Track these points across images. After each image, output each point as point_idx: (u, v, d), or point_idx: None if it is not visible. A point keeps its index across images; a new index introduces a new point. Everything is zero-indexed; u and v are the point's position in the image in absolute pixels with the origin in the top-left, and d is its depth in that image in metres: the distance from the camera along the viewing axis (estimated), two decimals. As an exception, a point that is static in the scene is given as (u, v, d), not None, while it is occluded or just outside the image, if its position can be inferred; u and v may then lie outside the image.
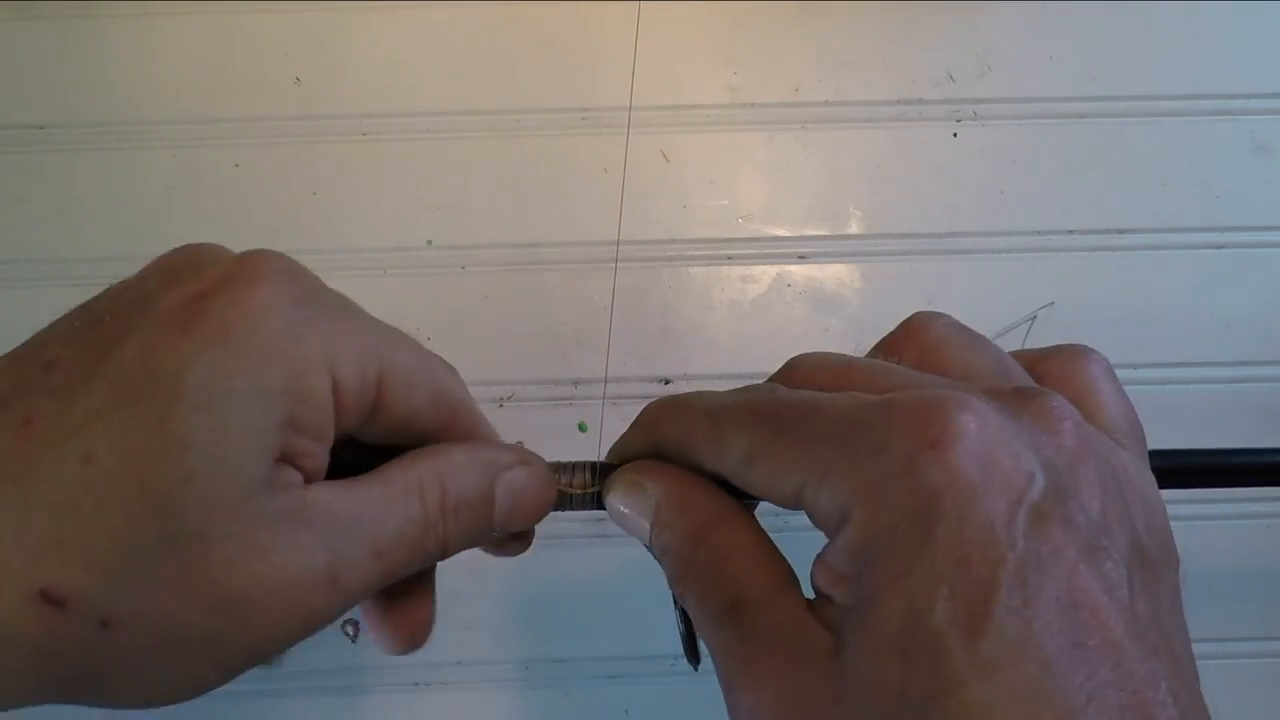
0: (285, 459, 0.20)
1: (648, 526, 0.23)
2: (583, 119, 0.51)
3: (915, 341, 0.23)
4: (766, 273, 0.49)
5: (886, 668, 0.17)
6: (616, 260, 0.48)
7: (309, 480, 0.21)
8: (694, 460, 0.23)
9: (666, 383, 0.47)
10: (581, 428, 0.46)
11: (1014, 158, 0.51)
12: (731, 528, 0.22)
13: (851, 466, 0.19)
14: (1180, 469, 0.27)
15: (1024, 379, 0.22)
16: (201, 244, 0.22)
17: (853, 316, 0.48)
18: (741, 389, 0.23)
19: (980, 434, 0.18)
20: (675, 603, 0.25)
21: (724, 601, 0.21)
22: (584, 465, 0.26)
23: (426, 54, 0.52)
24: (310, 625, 0.20)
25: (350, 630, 0.44)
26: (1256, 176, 0.50)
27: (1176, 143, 0.51)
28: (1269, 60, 0.52)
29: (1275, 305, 0.49)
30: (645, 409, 0.25)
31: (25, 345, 0.22)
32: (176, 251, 0.22)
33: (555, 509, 0.26)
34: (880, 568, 0.18)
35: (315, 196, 0.50)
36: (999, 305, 0.48)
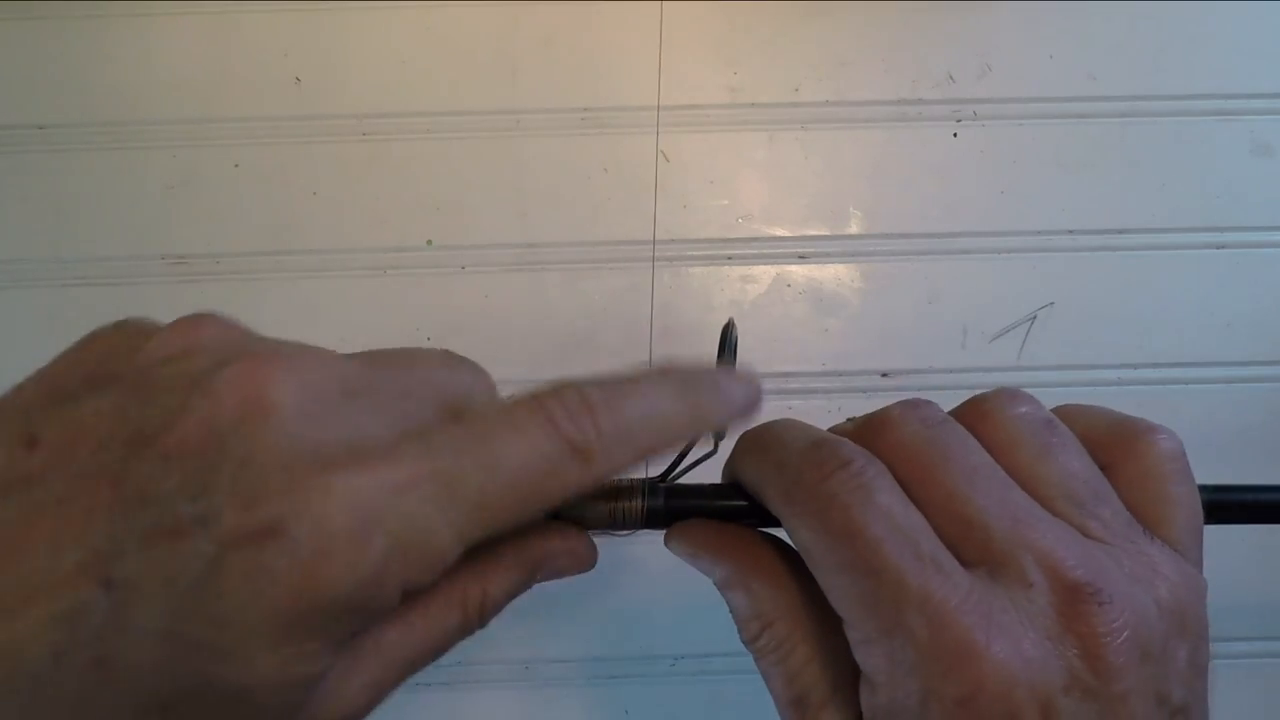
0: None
1: (717, 581, 0.24)
2: (583, 119, 0.51)
3: (989, 431, 0.23)
4: (766, 273, 0.49)
5: None
6: (653, 259, 0.49)
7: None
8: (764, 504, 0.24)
9: (666, 383, 0.47)
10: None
11: (1014, 158, 0.51)
12: (794, 621, 0.23)
13: (887, 655, 0.20)
14: (1226, 505, 0.27)
15: (1093, 499, 0.22)
16: (206, 322, 0.21)
17: (853, 316, 0.48)
18: (823, 449, 0.22)
19: (1009, 687, 0.19)
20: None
21: (789, 696, 0.23)
22: (637, 488, 0.25)
23: (426, 54, 0.52)
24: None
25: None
26: (1256, 176, 0.50)
27: (1176, 143, 0.51)
28: (1269, 60, 0.52)
29: (1275, 305, 0.49)
30: (742, 437, 0.25)
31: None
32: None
33: (604, 531, 0.26)
34: None
35: (315, 196, 0.50)
36: (999, 305, 0.48)
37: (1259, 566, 0.46)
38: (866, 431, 0.23)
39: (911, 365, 0.47)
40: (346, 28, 0.52)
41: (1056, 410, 0.24)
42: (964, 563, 0.20)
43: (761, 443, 0.23)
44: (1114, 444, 0.23)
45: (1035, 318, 0.48)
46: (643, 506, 0.25)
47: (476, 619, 0.22)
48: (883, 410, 0.23)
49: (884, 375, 0.47)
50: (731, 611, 0.24)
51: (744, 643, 0.24)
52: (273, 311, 0.47)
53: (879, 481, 0.21)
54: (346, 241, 0.49)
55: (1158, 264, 0.49)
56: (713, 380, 0.23)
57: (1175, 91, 0.52)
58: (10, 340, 0.48)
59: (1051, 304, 0.48)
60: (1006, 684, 0.19)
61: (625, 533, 0.26)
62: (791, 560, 0.24)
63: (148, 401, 0.18)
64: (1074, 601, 0.19)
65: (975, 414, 0.23)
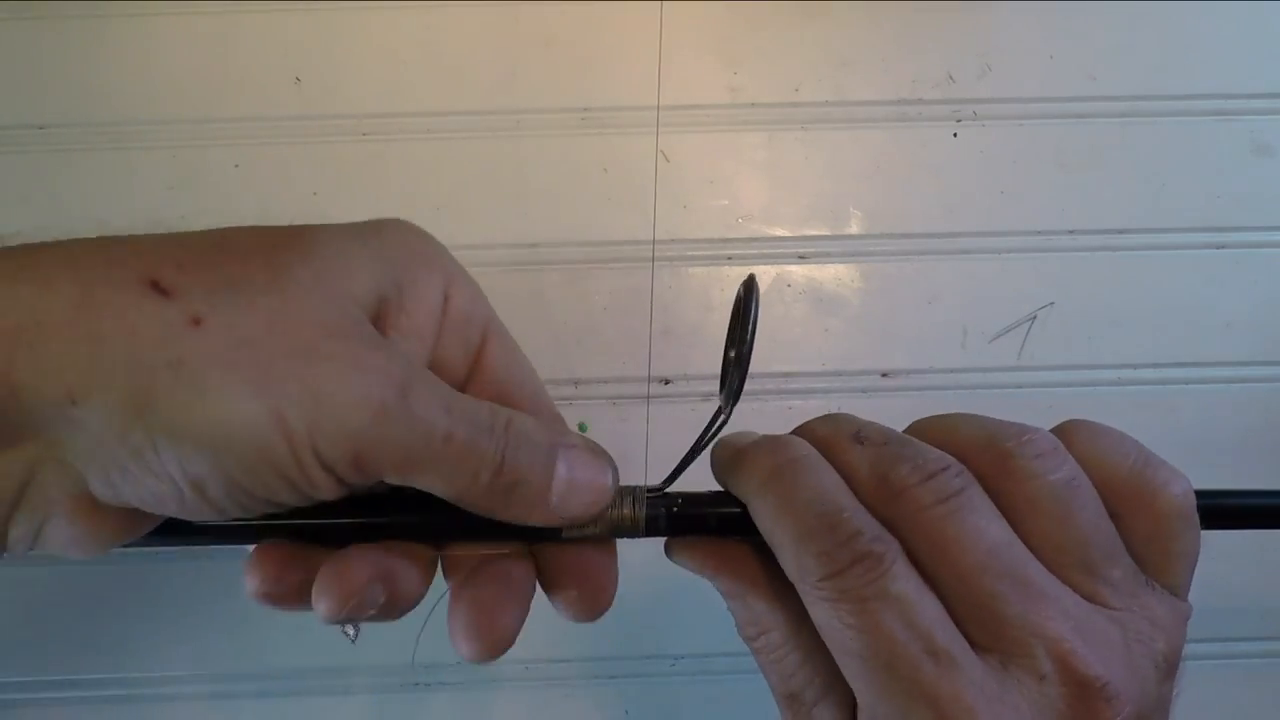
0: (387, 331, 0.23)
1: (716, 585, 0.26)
2: (583, 119, 0.51)
3: (1010, 489, 0.23)
4: (766, 273, 0.49)
5: None
6: (653, 259, 0.49)
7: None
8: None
9: (666, 382, 0.47)
10: (582, 428, 0.46)
11: (1014, 158, 0.51)
12: (789, 632, 0.24)
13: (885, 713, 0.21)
14: (1221, 511, 0.27)
15: (1105, 561, 0.22)
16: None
17: (853, 316, 0.48)
18: (840, 531, 0.22)
19: None
20: (732, 333, 0.27)
21: (784, 691, 0.24)
22: (640, 498, 0.25)
23: (426, 54, 0.52)
24: (376, 421, 0.21)
25: (351, 631, 0.43)
26: (1256, 176, 0.50)
27: (1176, 143, 0.51)
28: (1269, 60, 0.52)
29: (1275, 305, 0.49)
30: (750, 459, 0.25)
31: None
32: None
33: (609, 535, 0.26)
34: None
35: (315, 196, 0.50)
36: (999, 305, 0.48)
37: (1259, 568, 0.46)
38: (883, 493, 0.23)
39: (911, 365, 0.47)
40: (346, 28, 0.52)
41: (1072, 433, 0.24)
42: (975, 644, 0.21)
43: (777, 492, 0.23)
44: (1130, 496, 0.23)
45: (1035, 318, 0.48)
46: (642, 516, 0.25)
47: (502, 431, 0.24)
48: (899, 468, 0.23)
49: (884, 375, 0.47)
50: (731, 612, 0.26)
51: (743, 640, 0.25)
52: (273, 311, 0.47)
53: (895, 569, 0.21)
54: (346, 241, 0.49)
55: (1158, 264, 0.49)
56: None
57: (1175, 91, 0.52)
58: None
59: (1051, 304, 0.48)
60: None
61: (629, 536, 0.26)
62: (773, 575, 0.24)
63: None
64: (1085, 698, 0.20)
65: (998, 468, 0.23)
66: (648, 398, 0.46)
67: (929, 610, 0.21)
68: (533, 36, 0.52)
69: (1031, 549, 0.22)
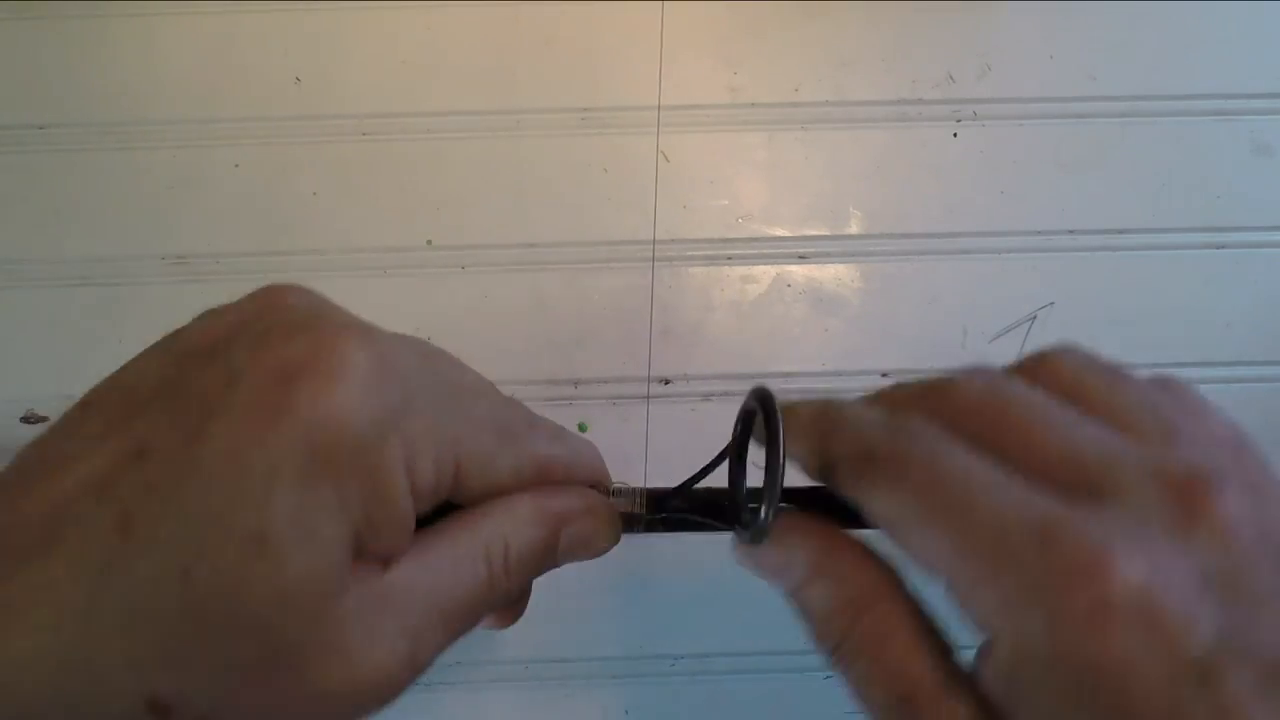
0: (366, 556, 0.21)
1: (795, 583, 0.22)
2: (582, 119, 0.51)
3: (1053, 377, 0.21)
4: (766, 273, 0.49)
5: None
6: (654, 260, 0.49)
7: (388, 562, 0.21)
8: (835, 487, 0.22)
9: (666, 382, 0.47)
10: (582, 428, 0.46)
11: (1014, 158, 0.51)
12: (892, 602, 0.21)
13: (1001, 595, 0.18)
14: None
15: (1174, 416, 0.21)
16: (285, 290, 0.22)
17: (853, 316, 0.48)
18: (894, 413, 0.21)
19: (1142, 591, 0.17)
20: (728, 460, 0.24)
21: (894, 695, 0.20)
22: (634, 493, 0.26)
23: (426, 54, 0.52)
24: (391, 699, 0.22)
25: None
26: (1256, 176, 0.50)
27: (1176, 143, 0.51)
28: (1269, 60, 0.52)
29: (1275, 305, 0.49)
30: (789, 414, 0.23)
31: (112, 395, 0.21)
32: (260, 301, 0.22)
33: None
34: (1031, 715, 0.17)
35: (315, 196, 0.50)
36: (999, 305, 0.48)
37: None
38: (931, 398, 0.22)
39: (911, 365, 0.47)
40: (346, 28, 0.52)
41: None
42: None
43: (822, 426, 0.22)
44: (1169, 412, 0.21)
45: (1035, 318, 0.48)
46: (643, 507, 0.25)
47: (503, 573, 0.23)
48: (943, 378, 0.22)
49: (884, 375, 0.47)
50: (809, 612, 0.22)
51: (826, 649, 0.21)
52: (273, 311, 0.47)
53: (952, 433, 0.20)
54: (346, 241, 0.49)
55: (1158, 264, 0.49)
56: (571, 512, 0.24)
57: (1175, 91, 0.52)
58: (10, 340, 0.48)
59: (1051, 304, 0.48)
60: (1139, 584, 0.16)
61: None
62: (870, 550, 0.22)
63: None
64: (1191, 494, 0.18)
65: (1032, 369, 0.22)
66: (648, 398, 0.46)
67: (995, 464, 0.19)
68: (533, 36, 0.52)
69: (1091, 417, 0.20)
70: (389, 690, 0.21)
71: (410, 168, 0.50)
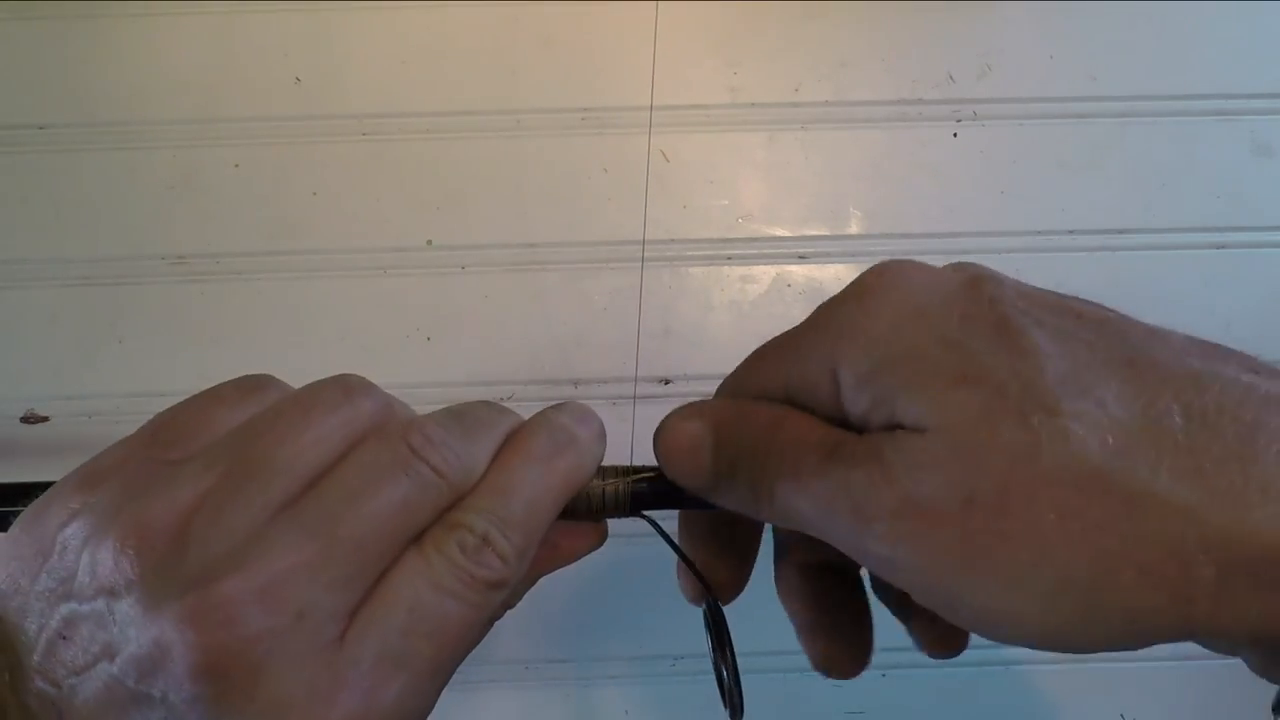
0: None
1: (707, 454, 0.24)
2: (583, 119, 0.51)
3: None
4: (766, 273, 0.49)
5: (975, 401, 0.19)
6: (643, 259, 0.49)
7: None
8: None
9: (666, 382, 0.47)
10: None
11: (1014, 158, 0.51)
12: (798, 415, 0.23)
13: (821, 332, 0.23)
14: None
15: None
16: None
17: (853, 316, 0.48)
18: None
19: (911, 262, 0.23)
20: (713, 654, 0.25)
21: (823, 452, 0.21)
22: (615, 470, 0.26)
23: (426, 54, 0.52)
24: None
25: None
26: (1256, 176, 0.50)
27: (1176, 143, 0.51)
28: (1269, 60, 0.52)
29: (1275, 305, 0.49)
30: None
31: None
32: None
33: (592, 518, 0.26)
34: (897, 367, 0.20)
35: (315, 196, 0.50)
36: (999, 305, 0.48)
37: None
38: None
39: (911, 365, 0.47)
40: (346, 28, 0.52)
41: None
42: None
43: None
44: None
45: (1035, 318, 0.48)
46: (627, 489, 0.25)
47: (499, 616, 0.24)
48: None
49: (884, 375, 0.47)
50: (732, 464, 0.24)
51: (758, 472, 0.23)
52: (273, 311, 0.47)
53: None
54: (346, 241, 0.49)
55: (1158, 264, 0.49)
56: (569, 437, 0.24)
57: (1175, 91, 0.52)
58: (10, 340, 0.48)
59: (1051, 304, 0.48)
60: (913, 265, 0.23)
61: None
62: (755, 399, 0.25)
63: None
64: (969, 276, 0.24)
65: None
66: (634, 398, 0.46)
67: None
68: (532, 36, 0.52)
69: None
70: None
71: (410, 168, 0.50)
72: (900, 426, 0.20)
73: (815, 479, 0.21)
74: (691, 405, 0.25)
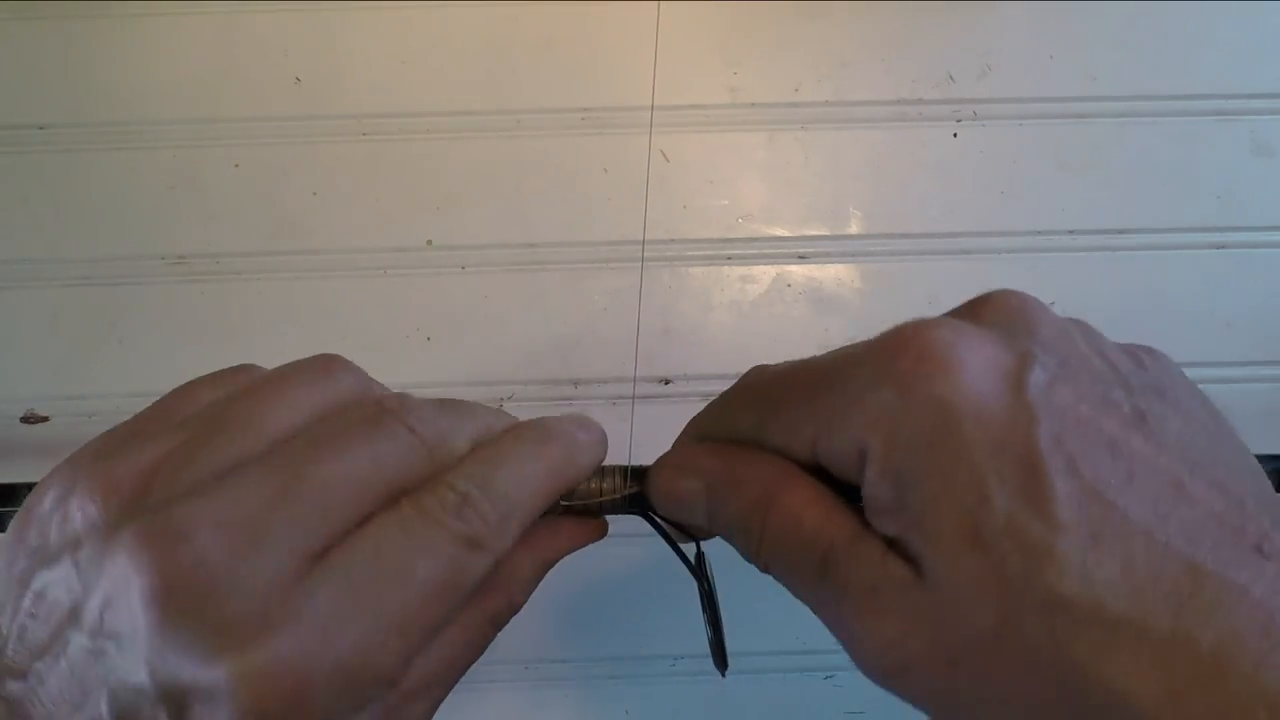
0: None
1: (701, 509, 0.24)
2: (583, 119, 0.51)
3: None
4: (766, 273, 0.49)
5: (975, 568, 0.18)
6: (643, 259, 0.49)
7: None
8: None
9: (666, 383, 0.47)
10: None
11: (1014, 158, 0.51)
12: (793, 488, 0.22)
13: (855, 405, 0.20)
14: None
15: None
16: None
17: (853, 316, 0.48)
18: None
19: (960, 341, 0.20)
20: (704, 609, 0.25)
21: (814, 559, 0.21)
22: (615, 470, 0.26)
23: (426, 54, 0.52)
24: None
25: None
26: (1256, 176, 0.50)
27: (1176, 143, 0.51)
28: (1269, 60, 0.52)
29: (1275, 305, 0.49)
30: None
31: None
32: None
33: (591, 514, 0.26)
34: (919, 486, 0.19)
35: (315, 196, 0.50)
36: (999, 305, 0.48)
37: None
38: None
39: (911, 365, 0.47)
40: (346, 28, 0.52)
41: None
42: None
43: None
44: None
45: (1035, 318, 0.48)
46: (623, 485, 0.25)
47: (506, 619, 0.24)
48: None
49: (884, 375, 0.47)
50: (730, 530, 0.23)
51: (752, 551, 0.23)
52: (273, 311, 0.47)
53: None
54: (346, 241, 0.49)
55: (1158, 264, 0.49)
56: (562, 431, 0.24)
57: (1175, 91, 0.52)
58: (10, 340, 0.48)
59: (1052, 304, 0.48)
60: (949, 338, 0.20)
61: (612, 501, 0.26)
62: (760, 449, 0.24)
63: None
64: (977, 304, 0.23)
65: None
66: (634, 398, 0.46)
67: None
68: (532, 36, 0.52)
69: None
70: None
71: (410, 168, 0.50)
72: (904, 546, 0.20)
73: (805, 589, 0.21)
74: (686, 454, 0.25)
